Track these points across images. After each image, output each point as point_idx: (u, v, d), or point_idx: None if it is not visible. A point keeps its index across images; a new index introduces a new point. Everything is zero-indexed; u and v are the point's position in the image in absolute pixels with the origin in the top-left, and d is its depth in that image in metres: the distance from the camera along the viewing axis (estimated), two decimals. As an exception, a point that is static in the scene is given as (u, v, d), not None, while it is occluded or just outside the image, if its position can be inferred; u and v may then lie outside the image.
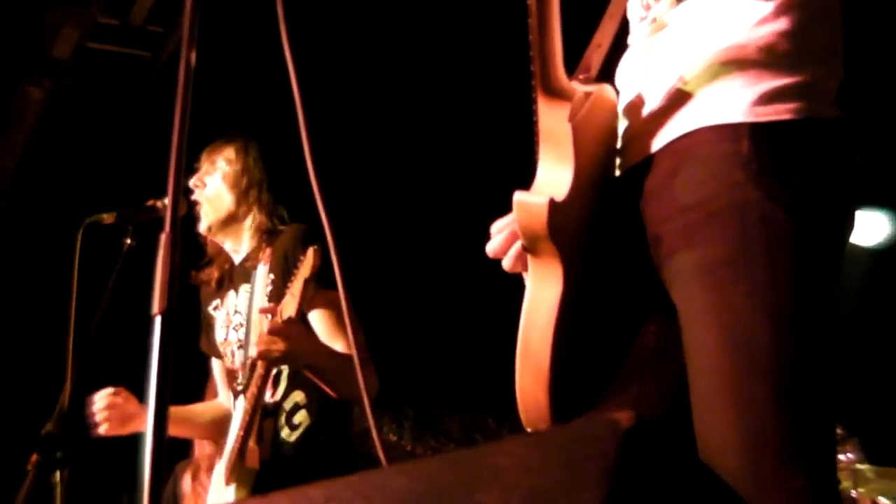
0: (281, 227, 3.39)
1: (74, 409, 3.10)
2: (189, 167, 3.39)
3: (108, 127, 6.31)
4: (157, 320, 1.55)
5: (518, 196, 1.68)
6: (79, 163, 6.42)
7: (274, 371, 3.18)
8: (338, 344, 3.16)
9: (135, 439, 3.21)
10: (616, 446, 1.03)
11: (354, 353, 2.34)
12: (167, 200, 1.71)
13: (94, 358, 3.13)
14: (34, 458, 3.00)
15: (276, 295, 3.26)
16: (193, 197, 3.42)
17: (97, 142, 6.37)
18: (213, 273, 3.53)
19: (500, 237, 1.85)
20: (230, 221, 3.43)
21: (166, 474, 1.48)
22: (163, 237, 1.62)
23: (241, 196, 3.41)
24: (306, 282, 2.95)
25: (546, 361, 1.65)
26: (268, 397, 3.24)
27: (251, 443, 3.14)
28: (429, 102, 5.89)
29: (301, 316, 3.21)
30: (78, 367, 3.11)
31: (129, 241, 3.36)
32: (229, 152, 3.46)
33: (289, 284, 2.99)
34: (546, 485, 1.05)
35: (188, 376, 3.84)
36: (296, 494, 1.26)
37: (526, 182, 1.74)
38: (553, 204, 1.64)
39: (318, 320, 3.22)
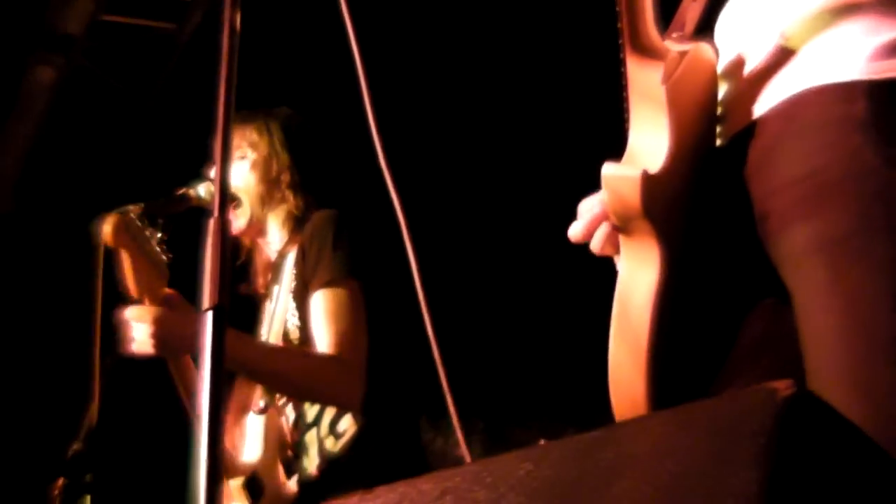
0: (310, 213, 3.48)
1: (104, 427, 3.14)
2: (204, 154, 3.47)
3: (129, 110, 6.38)
4: (209, 316, 1.60)
5: (607, 169, 1.70)
6: (97, 151, 6.48)
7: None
8: (324, 333, 3.21)
9: (172, 461, 3.28)
10: (774, 419, 1.01)
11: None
12: (212, 181, 1.76)
13: (123, 368, 3.19)
14: (60, 482, 3.06)
15: (300, 293, 3.33)
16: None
17: (117, 127, 6.44)
18: (257, 280, 3.62)
19: (586, 218, 1.87)
20: (262, 210, 3.53)
21: (219, 488, 1.53)
22: (211, 222, 1.66)
23: (273, 183, 3.52)
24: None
25: (644, 353, 1.67)
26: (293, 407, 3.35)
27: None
28: (501, 66, 5.85)
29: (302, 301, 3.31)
30: (106, 378, 3.16)
31: (158, 235, 3.42)
32: (251, 136, 3.55)
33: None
34: (691, 469, 1.04)
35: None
36: (406, 489, 1.28)
37: (615, 156, 1.75)
38: (647, 176, 1.66)
39: (318, 301, 3.27)
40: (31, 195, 6.55)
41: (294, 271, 3.38)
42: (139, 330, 3.00)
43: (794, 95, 1.72)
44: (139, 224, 3.21)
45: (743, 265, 1.76)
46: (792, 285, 1.67)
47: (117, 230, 3.15)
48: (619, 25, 1.71)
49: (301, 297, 3.33)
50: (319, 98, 4.50)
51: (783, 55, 1.75)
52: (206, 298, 1.61)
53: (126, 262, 3.15)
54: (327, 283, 3.25)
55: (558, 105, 5.79)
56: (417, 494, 1.26)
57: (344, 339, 3.19)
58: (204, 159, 3.43)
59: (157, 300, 3.10)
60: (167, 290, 3.20)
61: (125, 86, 6.32)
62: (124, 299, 3.22)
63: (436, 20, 5.70)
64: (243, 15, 1.76)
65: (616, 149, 1.76)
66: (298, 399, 3.32)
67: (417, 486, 1.27)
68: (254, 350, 3.22)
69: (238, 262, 3.61)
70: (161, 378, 3.17)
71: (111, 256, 3.22)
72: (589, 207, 1.88)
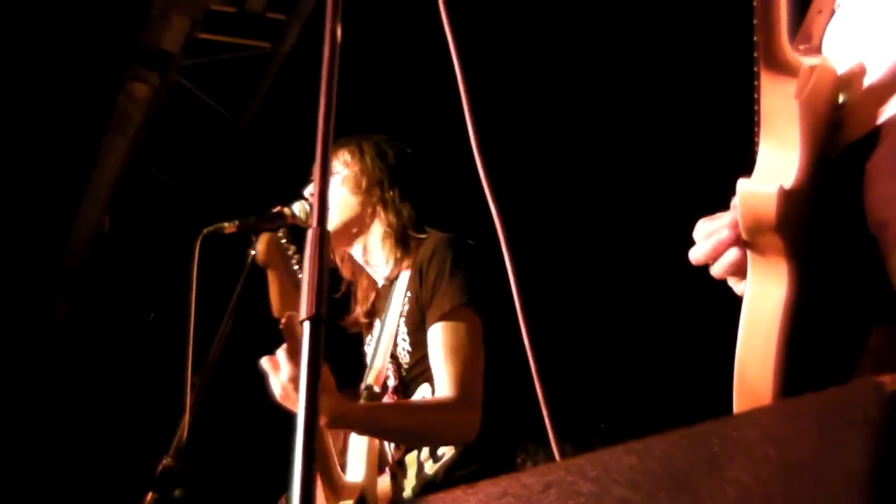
0: (419, 236, 3.45)
1: (195, 442, 3.14)
2: (297, 173, 3.48)
3: (225, 127, 6.44)
4: (305, 327, 1.57)
5: (743, 184, 1.70)
6: (192, 167, 6.55)
7: None
8: (443, 371, 3.18)
9: (263, 476, 3.26)
10: (882, 411, 1.03)
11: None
12: (308, 199, 1.74)
13: (215, 383, 3.19)
14: (149, 497, 3.06)
15: (414, 318, 3.30)
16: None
17: (213, 143, 6.50)
18: (360, 305, 3.61)
19: (712, 240, 1.85)
20: (356, 226, 3.52)
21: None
22: (310, 233, 1.65)
23: (365, 197, 3.52)
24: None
25: (772, 366, 1.68)
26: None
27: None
28: (619, 77, 5.80)
29: (416, 326, 3.29)
30: (198, 393, 3.17)
31: (253, 252, 3.42)
32: (344, 155, 3.58)
33: None
34: (801, 456, 1.06)
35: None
36: (509, 482, 1.27)
37: (733, 175, 1.74)
38: (784, 192, 1.66)
39: (436, 335, 3.24)
40: (127, 212, 6.63)
41: (408, 294, 3.36)
42: (275, 383, 3.00)
43: None
44: (287, 244, 3.34)
45: (863, 279, 1.73)
46: None
47: (270, 249, 3.29)
48: (754, 39, 1.71)
49: (415, 322, 3.31)
50: (420, 116, 4.49)
51: None
52: (304, 309, 1.59)
53: (273, 280, 3.25)
54: (445, 316, 3.22)
55: (675, 119, 5.76)
56: (521, 488, 1.26)
57: (464, 376, 3.17)
58: (297, 178, 3.43)
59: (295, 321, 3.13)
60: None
61: (221, 103, 6.37)
62: (225, 314, 3.26)
63: (561, 29, 5.68)
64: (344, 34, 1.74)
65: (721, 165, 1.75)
66: (419, 447, 3.31)
67: (521, 480, 1.27)
68: (367, 416, 3.22)
69: (338, 294, 3.61)
70: (251, 394, 3.16)
71: (201, 275, 3.24)
72: (712, 231, 1.86)
